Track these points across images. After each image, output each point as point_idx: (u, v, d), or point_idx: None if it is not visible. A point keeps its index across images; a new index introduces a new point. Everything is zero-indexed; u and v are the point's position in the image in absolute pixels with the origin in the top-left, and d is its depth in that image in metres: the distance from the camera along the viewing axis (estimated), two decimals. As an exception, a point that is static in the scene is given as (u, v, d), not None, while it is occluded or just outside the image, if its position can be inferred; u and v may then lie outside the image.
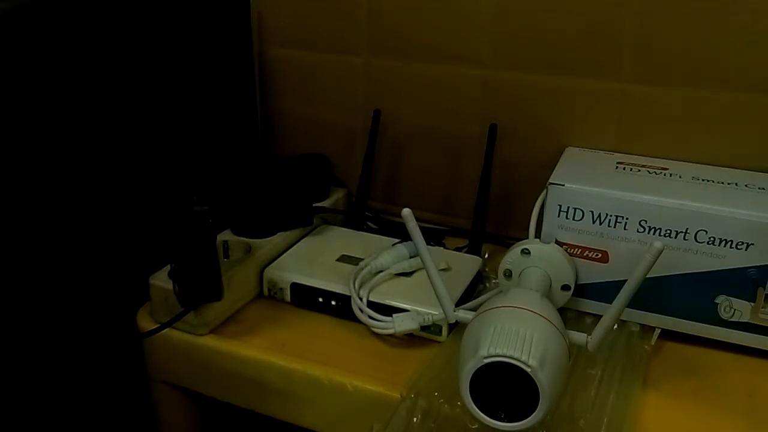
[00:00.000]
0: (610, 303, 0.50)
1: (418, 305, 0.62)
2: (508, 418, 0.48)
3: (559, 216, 0.62)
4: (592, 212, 0.61)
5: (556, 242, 0.62)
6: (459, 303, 0.63)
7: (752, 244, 0.57)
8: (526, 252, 0.62)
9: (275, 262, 0.70)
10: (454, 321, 0.59)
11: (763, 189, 0.61)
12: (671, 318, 0.62)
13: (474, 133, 0.76)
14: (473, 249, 0.73)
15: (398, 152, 0.84)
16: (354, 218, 0.80)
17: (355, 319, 0.63)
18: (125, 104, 0.66)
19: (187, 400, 0.69)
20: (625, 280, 0.49)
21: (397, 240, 0.70)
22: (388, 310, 0.62)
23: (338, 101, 0.84)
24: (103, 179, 0.65)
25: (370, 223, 0.82)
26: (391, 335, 0.62)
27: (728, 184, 0.62)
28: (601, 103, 0.71)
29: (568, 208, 0.61)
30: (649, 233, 0.59)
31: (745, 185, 0.62)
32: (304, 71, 0.85)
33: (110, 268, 0.67)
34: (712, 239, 0.58)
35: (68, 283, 0.63)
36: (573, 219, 0.61)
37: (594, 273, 0.62)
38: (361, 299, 0.63)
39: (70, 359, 0.64)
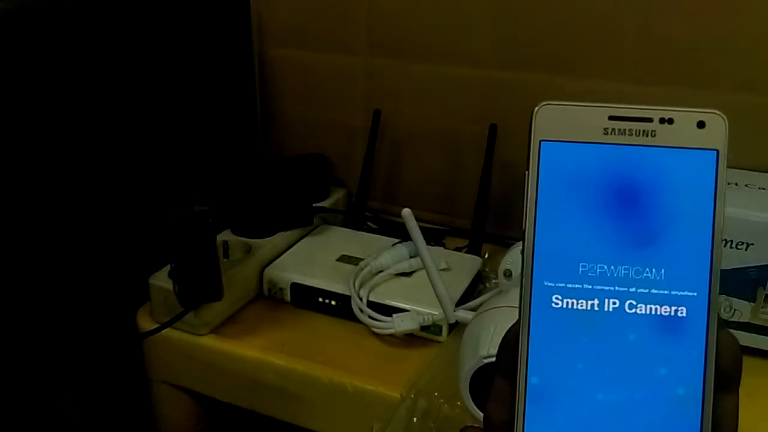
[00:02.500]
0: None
1: (418, 305, 0.62)
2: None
3: (559, 216, 0.62)
4: (592, 212, 0.61)
5: (556, 242, 0.62)
6: (459, 303, 0.63)
7: (752, 244, 0.57)
8: (526, 252, 0.62)
9: (275, 262, 0.70)
10: (454, 321, 0.59)
11: (763, 189, 0.61)
12: (671, 318, 0.62)
13: (474, 133, 0.76)
14: (473, 249, 0.73)
15: (398, 152, 0.84)
16: (354, 218, 0.80)
17: (355, 319, 0.63)
18: (125, 104, 0.66)
19: (187, 400, 0.69)
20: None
21: (397, 240, 0.70)
22: (388, 310, 0.62)
23: (338, 101, 0.84)
24: (103, 180, 0.65)
25: (370, 223, 0.82)
26: (391, 335, 0.62)
27: (728, 183, 0.62)
28: (601, 103, 0.71)
29: (568, 208, 0.61)
30: (649, 233, 0.59)
31: (745, 185, 0.62)
32: (304, 71, 0.85)
33: (110, 268, 0.67)
34: (711, 239, 0.58)
35: (68, 283, 0.63)
36: (573, 219, 0.61)
37: (594, 273, 0.62)
38: (361, 299, 0.63)
39: (70, 359, 0.64)
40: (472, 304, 0.63)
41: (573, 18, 0.70)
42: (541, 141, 0.25)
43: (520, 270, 0.25)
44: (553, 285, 0.25)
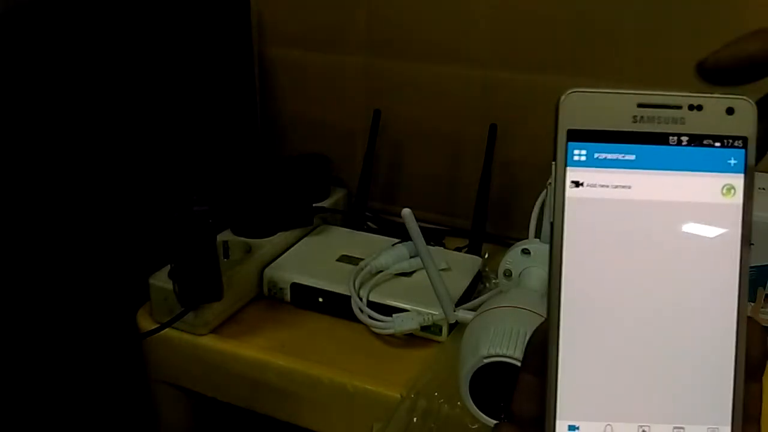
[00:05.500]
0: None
1: (418, 305, 0.62)
2: (508, 418, 0.48)
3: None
4: (592, 212, 0.61)
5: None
6: (459, 303, 0.63)
7: (752, 244, 0.56)
8: (526, 252, 0.62)
9: (275, 262, 0.70)
10: (454, 321, 0.59)
11: (763, 189, 0.61)
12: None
13: (474, 133, 0.76)
14: (473, 249, 0.73)
15: (398, 152, 0.84)
16: (354, 218, 0.80)
17: (355, 319, 0.63)
18: (125, 104, 0.66)
19: (187, 400, 0.69)
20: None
21: (397, 240, 0.70)
22: (388, 310, 0.62)
23: (338, 101, 0.84)
24: (103, 179, 0.65)
25: (370, 223, 0.82)
26: (391, 335, 0.62)
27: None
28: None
29: (568, 208, 0.61)
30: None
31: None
32: (304, 71, 0.85)
33: (110, 268, 0.67)
34: (712, 239, 0.57)
35: (68, 283, 0.63)
36: (573, 219, 0.61)
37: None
38: (361, 299, 0.63)
39: (70, 359, 0.64)
40: (472, 304, 0.63)
41: (573, 18, 0.70)
42: (568, 130, 0.25)
43: (548, 267, 0.25)
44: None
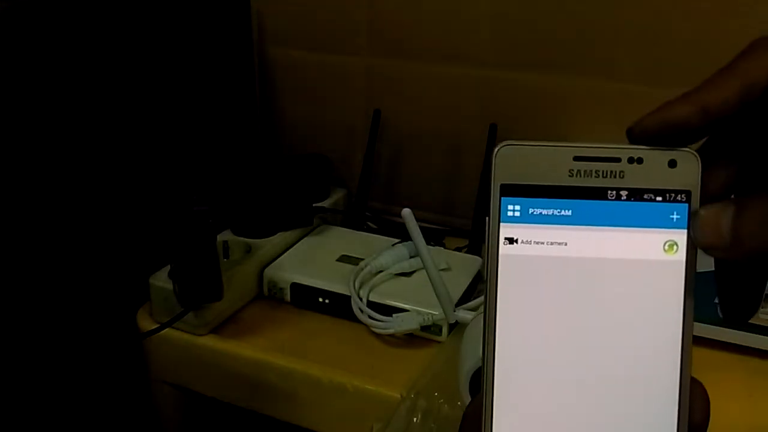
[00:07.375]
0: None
1: (418, 305, 0.61)
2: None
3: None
4: (592, 212, 0.61)
5: (556, 242, 0.62)
6: (459, 303, 0.63)
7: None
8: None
9: (275, 262, 0.70)
10: (454, 321, 0.59)
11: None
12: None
13: (474, 133, 0.76)
14: (473, 249, 0.73)
15: (398, 152, 0.84)
16: (354, 218, 0.80)
17: (355, 319, 0.63)
18: (125, 104, 0.66)
19: (187, 400, 0.69)
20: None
21: (397, 240, 0.70)
22: (388, 310, 0.62)
23: (338, 101, 0.84)
24: (103, 179, 0.65)
25: (370, 223, 0.82)
26: (391, 335, 0.62)
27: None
28: (600, 103, 0.71)
29: (568, 208, 0.61)
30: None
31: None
32: (304, 71, 0.85)
33: (110, 268, 0.67)
34: (712, 239, 0.57)
35: (68, 283, 0.63)
36: (573, 219, 0.61)
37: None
38: (361, 299, 0.63)
39: (70, 359, 0.64)
40: (472, 304, 0.63)
41: (573, 18, 0.70)
42: (501, 184, 0.24)
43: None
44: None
